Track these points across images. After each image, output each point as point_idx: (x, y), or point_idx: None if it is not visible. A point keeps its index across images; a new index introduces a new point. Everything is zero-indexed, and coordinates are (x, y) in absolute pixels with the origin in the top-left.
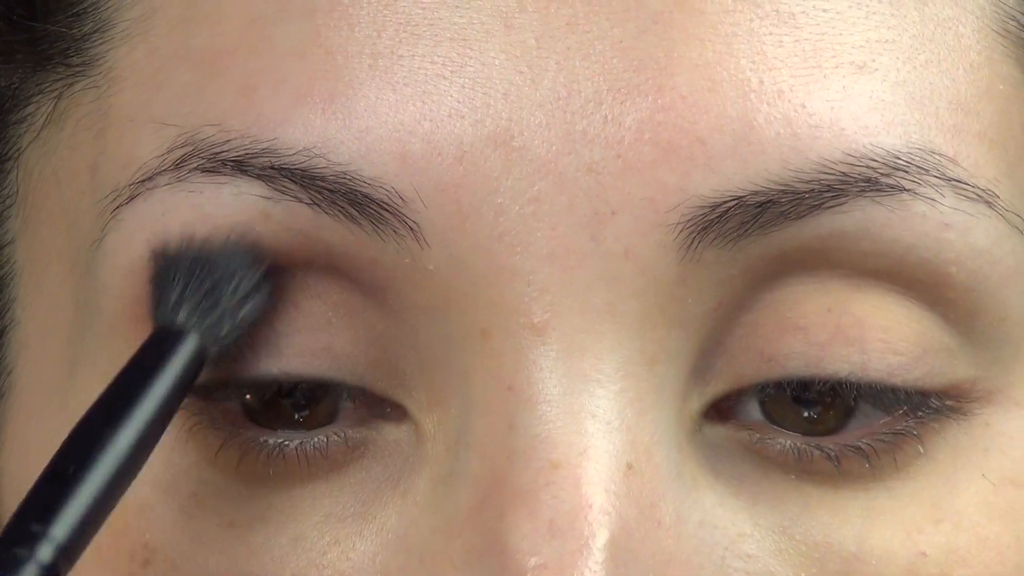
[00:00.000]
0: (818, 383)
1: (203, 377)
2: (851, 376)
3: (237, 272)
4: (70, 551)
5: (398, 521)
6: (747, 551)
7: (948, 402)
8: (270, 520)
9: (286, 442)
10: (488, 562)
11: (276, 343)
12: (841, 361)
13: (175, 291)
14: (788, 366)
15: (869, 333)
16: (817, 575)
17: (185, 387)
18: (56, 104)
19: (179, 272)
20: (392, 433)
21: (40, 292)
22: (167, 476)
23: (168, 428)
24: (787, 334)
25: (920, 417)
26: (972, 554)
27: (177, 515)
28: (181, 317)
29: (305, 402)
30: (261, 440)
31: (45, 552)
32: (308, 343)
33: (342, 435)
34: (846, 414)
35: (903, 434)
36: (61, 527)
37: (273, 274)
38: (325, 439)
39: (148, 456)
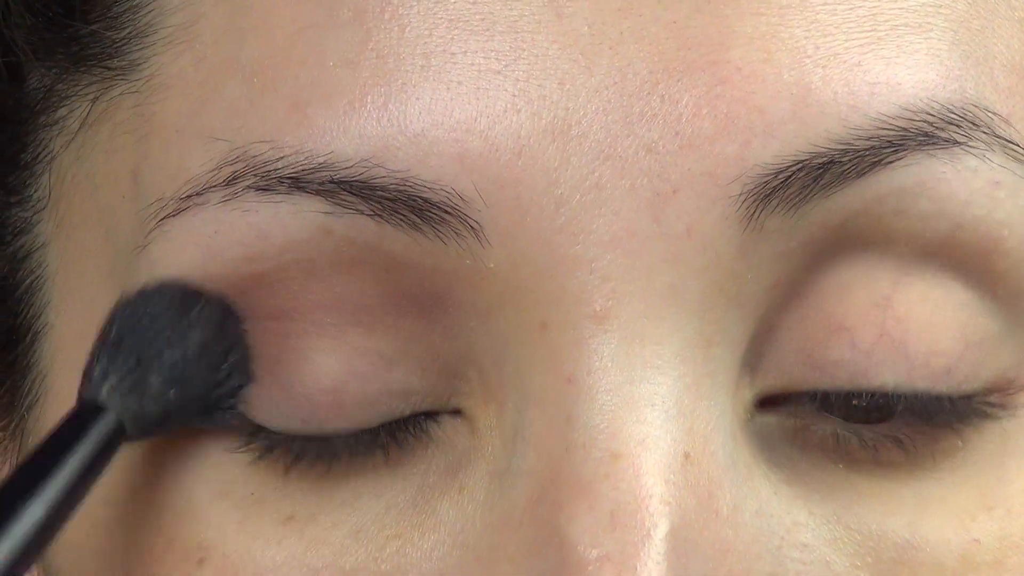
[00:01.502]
0: (864, 395)
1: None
2: (897, 388)
3: (168, 347)
4: None
5: (455, 517)
6: (803, 540)
7: (992, 398)
8: (330, 512)
9: (337, 453)
10: (548, 556)
11: (335, 390)
12: (887, 371)
13: (101, 362)
14: (835, 375)
15: (912, 335)
16: (873, 564)
17: (99, 464)
18: (93, 106)
19: (108, 343)
20: (450, 431)
21: (75, 296)
22: (220, 479)
23: (222, 439)
24: (833, 336)
25: (963, 417)
26: None
27: (232, 513)
28: (104, 392)
29: None
30: (309, 452)
31: None
32: (364, 384)
33: (394, 437)
34: (887, 417)
35: (943, 427)
36: None
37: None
38: (375, 448)
39: (56, 533)
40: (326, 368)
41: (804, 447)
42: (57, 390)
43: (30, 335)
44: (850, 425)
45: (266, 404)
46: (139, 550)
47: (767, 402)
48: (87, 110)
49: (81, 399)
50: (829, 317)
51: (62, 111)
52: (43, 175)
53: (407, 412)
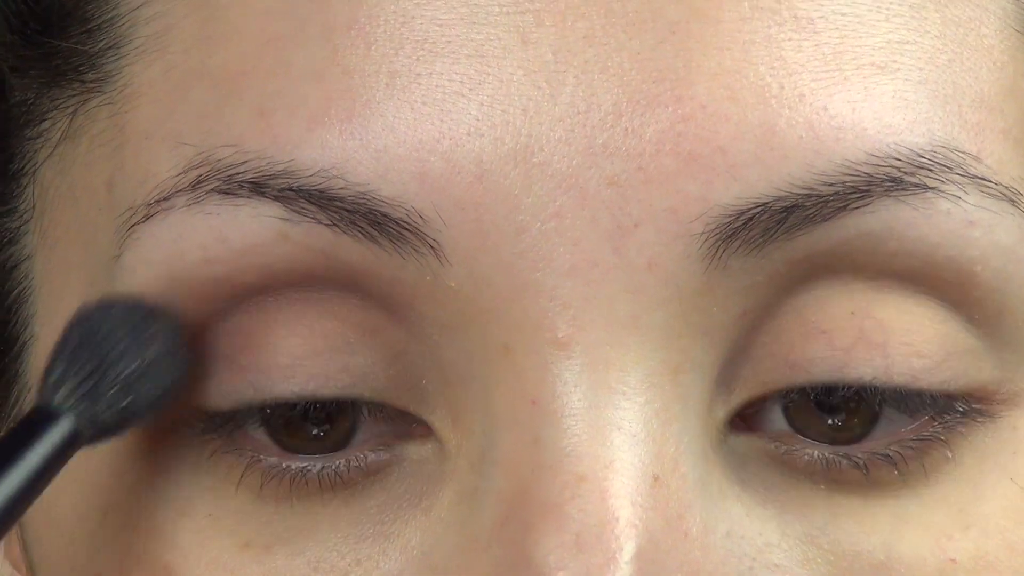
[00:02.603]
0: (842, 388)
1: (212, 403)
2: (875, 381)
3: (125, 356)
4: None
5: (422, 539)
6: (775, 561)
7: (974, 405)
8: (288, 542)
9: (308, 467)
10: None
11: (291, 366)
12: (865, 365)
13: (58, 368)
14: (812, 371)
15: (892, 337)
16: None
17: (52, 469)
18: (72, 120)
19: (66, 347)
20: (416, 452)
21: (58, 308)
22: (183, 498)
23: (185, 455)
24: (810, 339)
25: (947, 422)
26: (1001, 560)
27: (194, 536)
28: (59, 397)
29: (324, 416)
30: (283, 466)
31: None
32: (324, 365)
33: (363, 458)
34: (871, 420)
35: (930, 439)
36: None
37: (180, 344)
38: (347, 464)
39: (6, 530)
40: (285, 346)
41: (785, 467)
42: None
43: (17, 346)
44: (838, 448)
45: (222, 388)
46: (111, 568)
47: (743, 424)
48: (67, 123)
49: (37, 403)
50: (807, 324)
51: (45, 124)
52: (28, 187)
53: (366, 396)
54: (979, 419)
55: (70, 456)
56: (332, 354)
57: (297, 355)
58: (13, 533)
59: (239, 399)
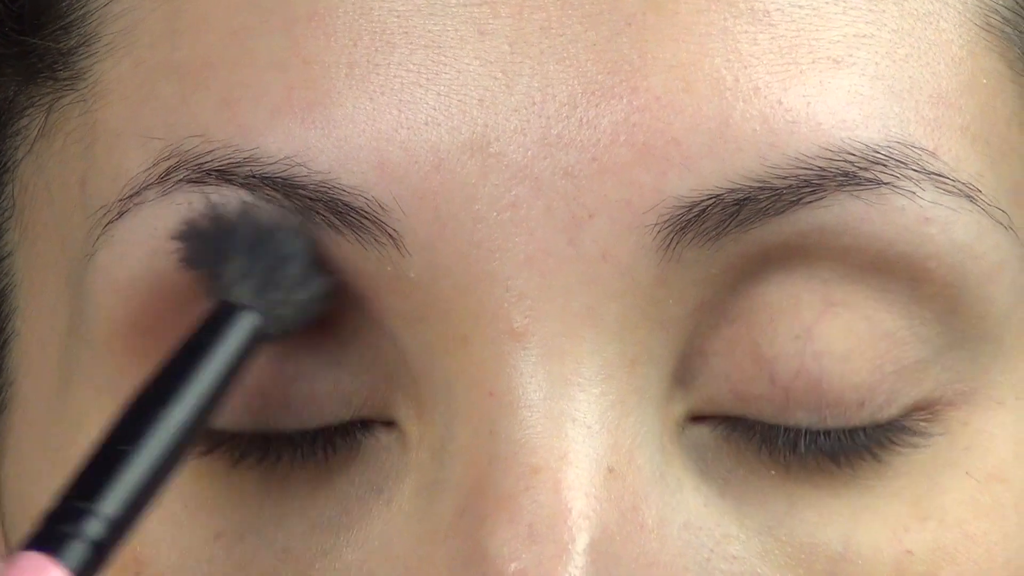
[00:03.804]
0: (783, 431)
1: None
2: (811, 427)
3: (296, 253)
4: (120, 526)
5: (383, 529)
6: (733, 553)
7: (915, 417)
8: (258, 531)
9: (280, 454)
10: (470, 569)
11: (287, 405)
12: (801, 412)
13: (235, 265)
14: (759, 409)
15: (827, 372)
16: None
17: (240, 365)
18: (47, 117)
19: (238, 245)
20: (381, 439)
21: (38, 305)
22: None
23: None
24: (756, 367)
25: (880, 444)
26: (959, 551)
27: (167, 527)
28: (242, 293)
29: None
30: (254, 451)
31: (94, 528)
32: (311, 388)
33: (332, 444)
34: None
35: (861, 448)
36: (111, 503)
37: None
38: (315, 451)
39: (199, 434)
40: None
41: (744, 453)
42: (23, 397)
43: (1, 340)
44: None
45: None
46: None
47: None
48: (43, 120)
49: (218, 301)
50: (755, 347)
51: (23, 121)
52: (9, 184)
53: (347, 417)
54: (924, 424)
55: (256, 353)
56: (320, 368)
57: (285, 374)
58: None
59: (237, 425)
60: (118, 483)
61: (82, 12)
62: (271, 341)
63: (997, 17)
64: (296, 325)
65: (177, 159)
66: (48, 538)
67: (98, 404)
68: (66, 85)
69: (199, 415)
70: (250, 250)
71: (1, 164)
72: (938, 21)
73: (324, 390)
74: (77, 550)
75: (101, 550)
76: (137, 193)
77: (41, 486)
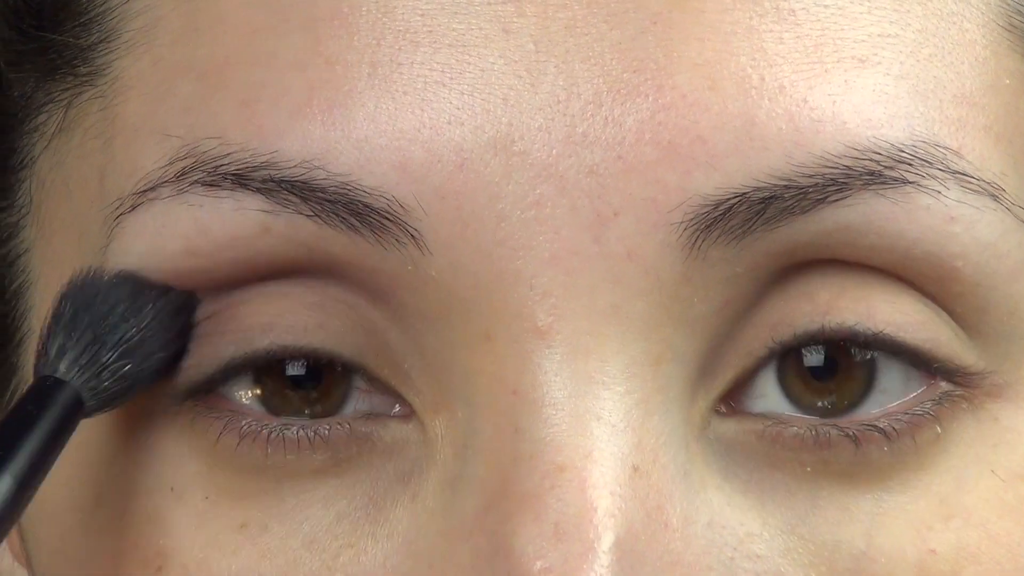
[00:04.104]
0: (827, 332)
1: (194, 374)
2: (858, 325)
3: (122, 323)
4: None
5: (408, 525)
6: (756, 551)
7: (958, 381)
8: (283, 521)
9: (287, 425)
10: (495, 566)
11: (269, 323)
12: (847, 312)
13: (58, 338)
14: (795, 325)
15: (874, 294)
16: (827, 574)
17: (61, 438)
18: (66, 113)
19: (62, 317)
20: (399, 431)
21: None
22: (178, 481)
23: (168, 430)
24: (792, 300)
25: (936, 398)
26: (983, 551)
27: (191, 519)
28: (62, 367)
29: (314, 386)
30: (262, 423)
31: None
32: (302, 319)
33: (347, 426)
34: (863, 389)
35: (921, 415)
36: None
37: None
38: (328, 428)
39: (23, 505)
40: (264, 311)
41: (773, 447)
42: None
43: (16, 338)
44: (827, 420)
45: (204, 357)
46: (105, 553)
47: (730, 409)
48: (61, 116)
49: (38, 375)
50: (788, 294)
51: (41, 118)
52: (27, 181)
53: (345, 355)
54: (963, 405)
55: (75, 426)
56: (309, 312)
57: (274, 313)
58: (15, 527)
59: (221, 359)
60: None
61: (102, 9)
62: (96, 412)
63: (1020, 18)
64: (126, 396)
65: (193, 160)
66: None
67: None
68: (85, 81)
69: (22, 486)
70: (70, 322)
71: (18, 161)
72: (962, 21)
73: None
74: None
75: None
76: (151, 188)
77: (55, 484)
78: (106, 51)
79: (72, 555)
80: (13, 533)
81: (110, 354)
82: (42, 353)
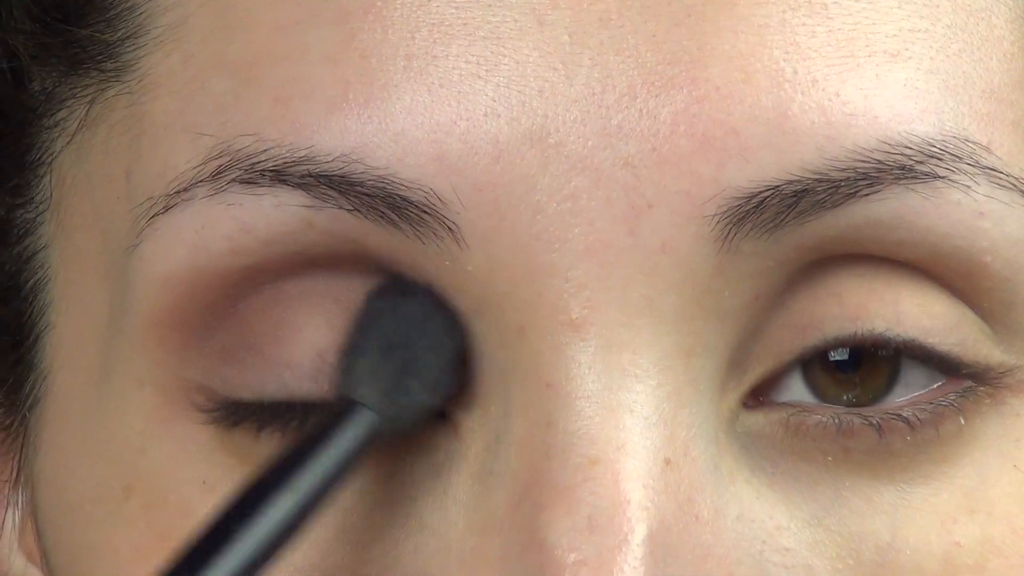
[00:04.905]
0: (857, 337)
1: (234, 392)
2: (888, 332)
3: (427, 356)
4: None
5: (439, 519)
6: (785, 544)
7: (983, 384)
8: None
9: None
10: (527, 559)
11: (316, 366)
12: (877, 318)
13: (364, 362)
14: (825, 330)
15: (903, 296)
16: (854, 567)
17: (353, 462)
18: (89, 109)
19: (371, 343)
20: (429, 430)
21: (74, 297)
22: (211, 475)
23: (211, 434)
24: (821, 302)
25: (961, 390)
26: (1007, 544)
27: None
28: (367, 393)
29: None
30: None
31: None
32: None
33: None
34: (889, 380)
35: (945, 405)
36: None
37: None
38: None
39: (305, 525)
40: (307, 338)
41: (797, 436)
42: (57, 390)
43: (33, 335)
44: (852, 409)
45: (247, 379)
46: (133, 546)
47: (758, 396)
48: (85, 112)
49: (341, 396)
50: (817, 292)
51: (62, 113)
52: (45, 177)
53: None
54: (987, 400)
55: (367, 451)
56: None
57: (320, 347)
58: (28, 522)
59: (262, 392)
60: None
61: (130, 4)
62: (385, 438)
63: None
64: (413, 425)
65: (229, 158)
66: None
67: (139, 396)
68: (111, 76)
69: (306, 507)
70: (385, 349)
71: (37, 157)
72: (990, 17)
73: None
74: None
75: None
76: (186, 189)
77: (80, 478)
78: (133, 47)
79: (98, 549)
80: (28, 529)
81: (415, 384)
82: (346, 373)
